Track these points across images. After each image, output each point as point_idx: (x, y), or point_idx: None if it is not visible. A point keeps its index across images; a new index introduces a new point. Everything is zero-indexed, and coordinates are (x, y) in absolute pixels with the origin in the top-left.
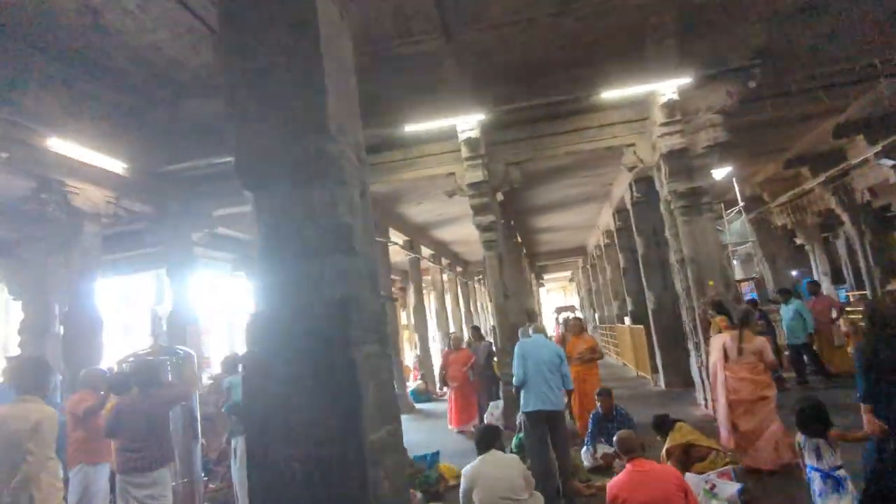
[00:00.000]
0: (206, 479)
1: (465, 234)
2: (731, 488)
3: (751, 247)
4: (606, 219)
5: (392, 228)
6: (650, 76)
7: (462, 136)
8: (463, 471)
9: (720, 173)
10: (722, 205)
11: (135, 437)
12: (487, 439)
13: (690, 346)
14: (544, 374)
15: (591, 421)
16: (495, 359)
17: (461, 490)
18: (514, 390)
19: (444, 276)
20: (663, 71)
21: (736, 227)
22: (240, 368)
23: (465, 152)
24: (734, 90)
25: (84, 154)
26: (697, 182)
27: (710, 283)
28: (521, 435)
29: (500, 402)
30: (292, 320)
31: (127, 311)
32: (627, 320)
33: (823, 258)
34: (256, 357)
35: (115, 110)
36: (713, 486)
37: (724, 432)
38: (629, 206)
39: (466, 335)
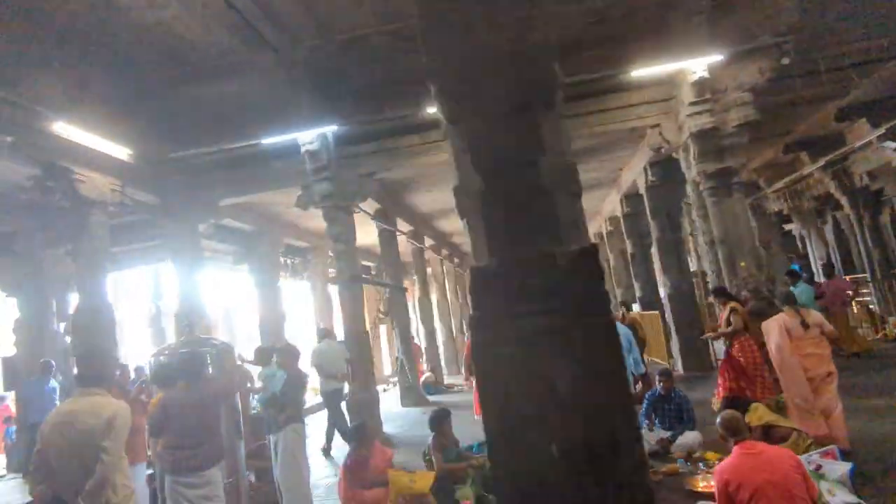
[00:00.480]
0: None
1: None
2: (842, 468)
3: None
4: (612, 205)
5: (398, 218)
6: (679, 54)
7: None
8: None
9: None
10: None
11: (185, 434)
12: None
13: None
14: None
15: (646, 400)
16: None
17: None
18: None
19: (443, 268)
20: (693, 48)
21: None
22: (274, 360)
23: None
24: (766, 67)
25: (89, 139)
26: (727, 162)
27: (742, 264)
28: None
29: None
30: (525, 274)
31: (124, 306)
32: (636, 307)
33: (819, 243)
34: (482, 318)
35: (120, 93)
36: (818, 467)
37: (800, 414)
38: (643, 190)
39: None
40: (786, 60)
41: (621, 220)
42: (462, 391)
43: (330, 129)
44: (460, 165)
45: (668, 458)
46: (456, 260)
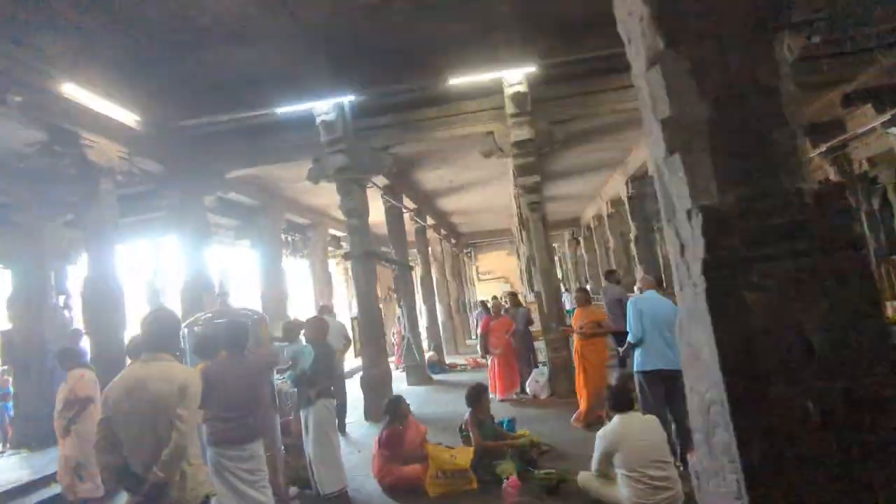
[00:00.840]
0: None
1: (468, 202)
2: None
3: None
4: (616, 187)
5: (404, 195)
6: None
7: (509, 91)
8: (602, 432)
9: None
10: None
11: (229, 406)
12: (625, 399)
13: None
14: (662, 332)
15: None
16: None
17: (600, 452)
18: (618, 351)
19: (442, 248)
20: None
21: None
22: (301, 336)
23: (510, 108)
24: (795, 45)
25: (97, 103)
26: None
27: None
28: None
29: (545, 369)
30: (769, 213)
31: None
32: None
33: None
34: (717, 263)
35: (128, 57)
36: None
37: None
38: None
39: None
40: (816, 39)
41: (626, 203)
42: (465, 370)
43: (347, 100)
44: (677, 94)
45: None
46: (453, 240)
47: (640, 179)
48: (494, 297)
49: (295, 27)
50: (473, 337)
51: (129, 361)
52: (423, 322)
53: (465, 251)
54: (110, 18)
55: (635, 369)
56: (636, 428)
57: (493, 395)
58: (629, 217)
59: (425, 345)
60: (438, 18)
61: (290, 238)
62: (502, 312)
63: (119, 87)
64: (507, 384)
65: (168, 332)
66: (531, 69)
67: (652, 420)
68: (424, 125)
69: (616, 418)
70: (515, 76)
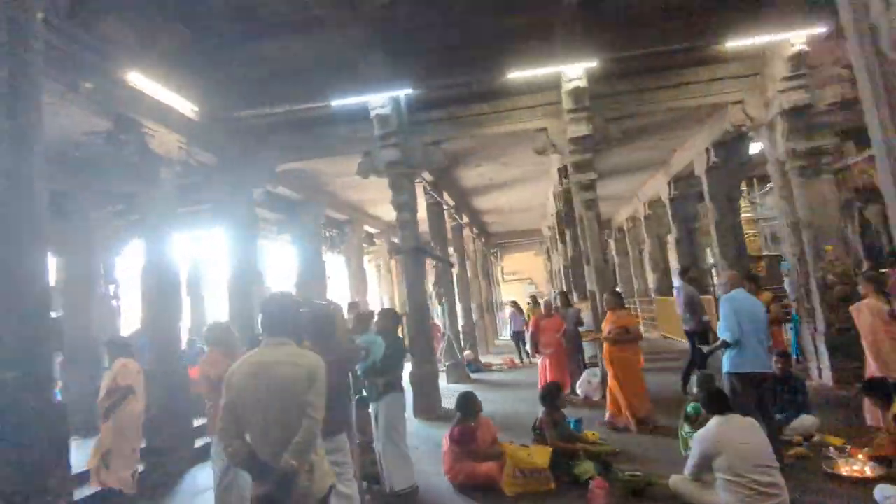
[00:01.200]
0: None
1: (503, 201)
2: None
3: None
4: (655, 188)
5: (444, 192)
6: (777, 26)
7: (568, 86)
8: (701, 434)
9: (755, 147)
10: (754, 180)
11: None
12: (722, 401)
13: (801, 313)
14: (758, 332)
15: None
16: (582, 326)
17: (699, 455)
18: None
19: (475, 247)
20: (791, 19)
21: (770, 202)
22: (373, 325)
23: (568, 104)
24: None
25: (159, 93)
26: (818, 141)
27: (828, 248)
28: (695, 404)
29: (598, 371)
30: None
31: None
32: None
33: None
34: None
35: (187, 47)
36: None
37: None
38: (701, 172)
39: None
40: None
41: (667, 204)
42: (502, 370)
43: (403, 93)
44: None
45: (784, 441)
46: (483, 240)
47: (683, 180)
48: (533, 297)
49: (355, 18)
50: (502, 336)
51: (207, 349)
52: (459, 321)
53: (492, 251)
54: (171, 8)
55: (728, 370)
56: (737, 431)
57: None
58: (670, 218)
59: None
60: (497, 11)
61: (328, 233)
62: (553, 312)
63: (179, 77)
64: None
65: (290, 317)
66: (592, 64)
67: (752, 423)
68: (476, 120)
69: (714, 421)
70: (575, 71)
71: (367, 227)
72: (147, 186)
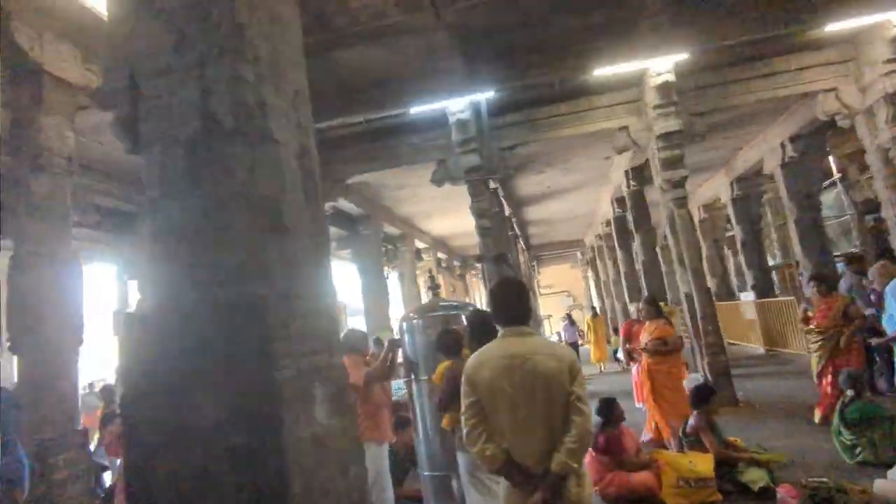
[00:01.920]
0: None
1: (551, 211)
2: None
3: (848, 221)
4: (714, 189)
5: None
6: (883, 4)
7: (654, 81)
8: None
9: None
10: None
11: None
12: None
13: None
14: None
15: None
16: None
17: None
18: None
19: (521, 259)
20: None
21: (828, 200)
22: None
23: (655, 99)
24: None
25: None
26: None
27: None
28: (860, 403)
29: (699, 376)
30: None
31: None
32: (747, 295)
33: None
34: None
35: None
36: None
37: None
38: (775, 168)
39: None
40: None
41: (728, 205)
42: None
43: (484, 97)
44: None
45: None
46: (527, 252)
47: (746, 180)
48: (593, 308)
49: (434, 24)
50: None
51: (344, 357)
52: None
53: (531, 264)
54: None
55: None
56: None
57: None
58: (734, 220)
59: None
60: (577, 10)
61: (385, 248)
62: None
63: None
64: None
65: (526, 303)
66: (682, 57)
67: None
68: (553, 122)
69: None
70: (663, 65)
71: (417, 242)
72: None
